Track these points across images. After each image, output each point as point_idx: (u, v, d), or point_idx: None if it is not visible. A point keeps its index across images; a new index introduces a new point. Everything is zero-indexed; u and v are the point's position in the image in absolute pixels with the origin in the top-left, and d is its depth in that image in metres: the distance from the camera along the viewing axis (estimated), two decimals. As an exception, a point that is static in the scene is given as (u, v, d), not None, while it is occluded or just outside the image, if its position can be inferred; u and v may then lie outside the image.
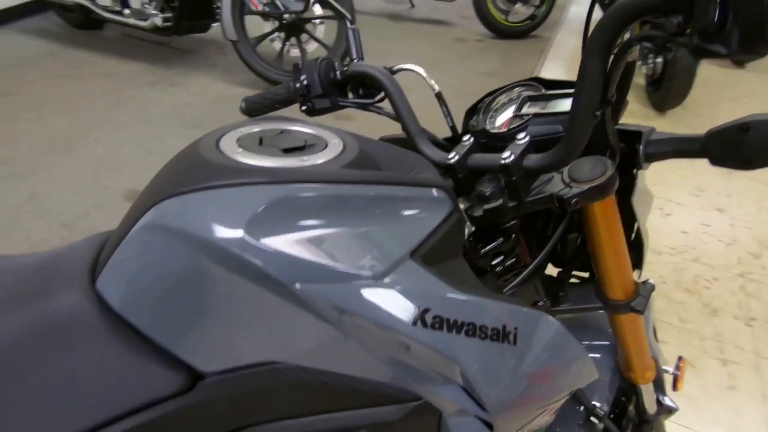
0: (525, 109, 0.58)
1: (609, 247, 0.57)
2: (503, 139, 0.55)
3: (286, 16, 2.70)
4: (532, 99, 0.59)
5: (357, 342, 0.41)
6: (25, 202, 1.95)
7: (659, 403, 0.86)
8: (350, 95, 0.69)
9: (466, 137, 0.56)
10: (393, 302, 0.39)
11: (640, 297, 0.61)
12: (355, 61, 0.69)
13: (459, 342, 0.42)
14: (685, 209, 2.09)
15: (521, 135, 0.53)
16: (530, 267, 0.56)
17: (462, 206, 0.52)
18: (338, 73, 0.67)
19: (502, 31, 3.81)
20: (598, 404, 0.73)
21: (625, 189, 0.57)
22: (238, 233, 0.37)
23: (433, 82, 0.64)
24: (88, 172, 2.14)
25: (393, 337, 0.40)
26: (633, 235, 0.64)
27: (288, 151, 0.45)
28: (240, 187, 0.39)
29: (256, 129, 0.49)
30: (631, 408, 0.85)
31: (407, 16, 4.11)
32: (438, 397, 0.45)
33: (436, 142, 0.62)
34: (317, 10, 2.70)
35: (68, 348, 0.42)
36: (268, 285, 0.38)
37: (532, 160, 0.50)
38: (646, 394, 0.79)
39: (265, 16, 2.75)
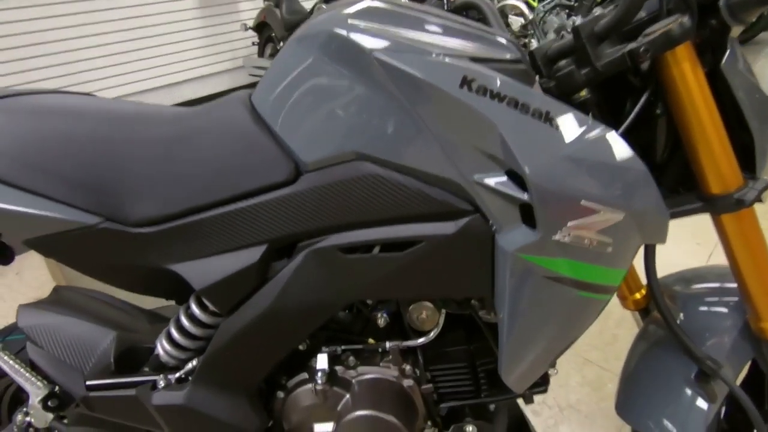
0: None
1: (694, 117, 0.54)
2: None
3: None
4: None
5: (423, 124, 0.50)
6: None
7: None
8: None
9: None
10: (446, 70, 0.49)
11: (747, 189, 0.55)
12: None
13: (499, 109, 0.48)
14: None
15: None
16: None
17: (537, 77, 0.55)
18: (447, 4, 0.77)
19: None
20: (714, 359, 0.65)
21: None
22: (343, 19, 0.53)
23: (527, 11, 0.75)
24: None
25: (443, 99, 0.49)
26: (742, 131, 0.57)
27: None
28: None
29: None
30: None
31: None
32: (488, 193, 0.50)
33: None
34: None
35: (220, 138, 0.60)
36: (357, 58, 0.51)
37: (600, 24, 0.53)
38: None
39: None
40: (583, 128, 0.49)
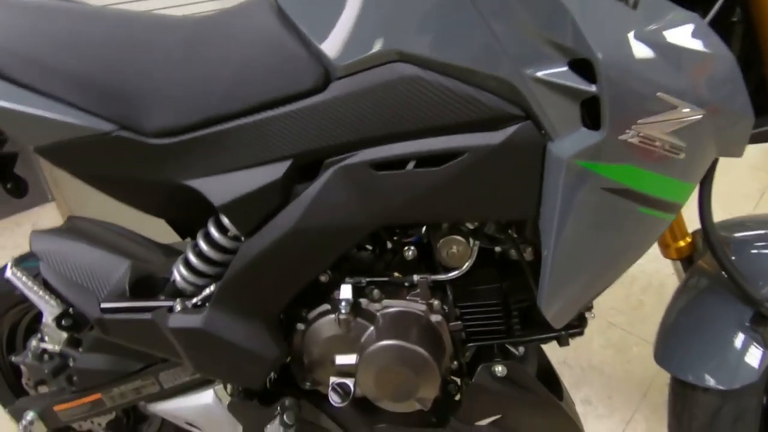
0: None
1: None
2: None
3: None
4: None
5: (476, 10, 0.44)
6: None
7: None
8: None
9: None
10: None
11: None
12: None
13: None
14: None
15: None
16: None
17: None
18: None
19: None
20: None
21: None
22: None
23: None
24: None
25: None
26: None
27: None
28: None
29: None
30: None
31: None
32: (546, 89, 0.45)
33: None
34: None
35: (243, 42, 0.55)
36: None
37: None
38: None
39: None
40: (665, 10, 0.43)
